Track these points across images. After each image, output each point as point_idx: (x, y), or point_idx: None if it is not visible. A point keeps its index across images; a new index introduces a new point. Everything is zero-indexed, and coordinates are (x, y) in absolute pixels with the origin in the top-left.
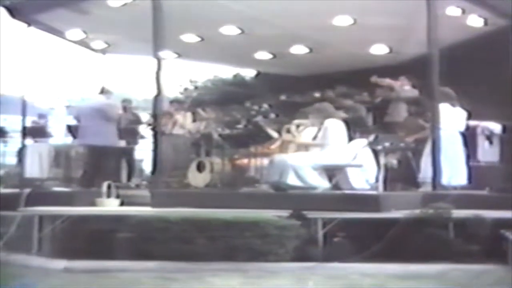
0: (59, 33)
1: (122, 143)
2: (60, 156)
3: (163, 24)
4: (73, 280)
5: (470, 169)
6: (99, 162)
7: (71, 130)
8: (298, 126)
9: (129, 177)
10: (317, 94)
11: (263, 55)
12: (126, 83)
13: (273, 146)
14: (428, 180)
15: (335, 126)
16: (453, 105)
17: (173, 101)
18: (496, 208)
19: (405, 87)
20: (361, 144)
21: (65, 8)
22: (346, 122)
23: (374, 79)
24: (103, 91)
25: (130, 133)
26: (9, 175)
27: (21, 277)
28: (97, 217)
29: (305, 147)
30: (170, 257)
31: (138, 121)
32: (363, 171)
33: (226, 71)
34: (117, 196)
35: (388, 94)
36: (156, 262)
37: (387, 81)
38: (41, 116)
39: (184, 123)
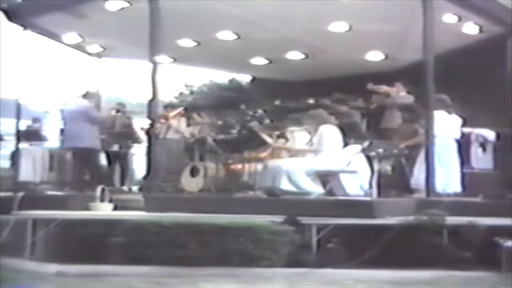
0: (55, 36)
1: (116, 147)
2: (53, 159)
3: (160, 28)
4: (65, 285)
5: (464, 176)
6: (91, 166)
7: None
8: (292, 132)
9: (123, 181)
10: (312, 100)
11: (259, 60)
12: (122, 87)
13: (266, 152)
14: (421, 187)
15: (330, 132)
16: (448, 112)
17: (167, 106)
18: (490, 215)
19: (400, 94)
20: (355, 150)
21: (62, 12)
22: (341, 128)
23: (370, 86)
24: (86, 95)
25: (124, 137)
26: (3, 179)
27: (13, 281)
28: (91, 221)
29: (299, 152)
30: (163, 262)
31: (131, 125)
32: (357, 177)
33: (222, 76)
34: (110, 201)
35: (383, 100)
36: (149, 267)
37: (384, 87)
38: (36, 119)
39: (179, 128)
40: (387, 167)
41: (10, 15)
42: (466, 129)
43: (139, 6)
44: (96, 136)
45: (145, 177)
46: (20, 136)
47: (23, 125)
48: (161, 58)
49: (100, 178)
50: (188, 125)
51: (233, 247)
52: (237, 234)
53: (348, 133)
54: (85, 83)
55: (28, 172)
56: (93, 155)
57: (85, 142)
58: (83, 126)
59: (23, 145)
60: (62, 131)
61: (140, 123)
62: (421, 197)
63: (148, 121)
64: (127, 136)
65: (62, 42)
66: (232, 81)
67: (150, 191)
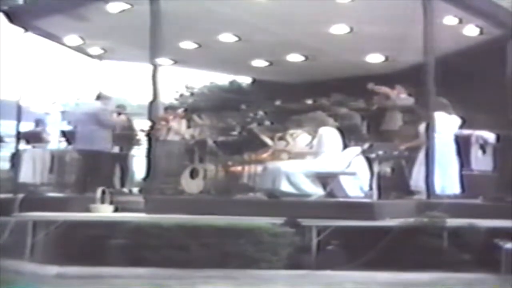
0: (56, 38)
1: (116, 149)
2: (54, 161)
3: (161, 30)
4: (65, 286)
5: (463, 177)
6: (93, 167)
7: (66, 135)
8: (292, 134)
9: (123, 183)
10: (312, 102)
11: (259, 62)
12: (123, 89)
13: (266, 154)
14: (421, 189)
15: (330, 134)
16: (448, 113)
17: (168, 108)
18: (490, 217)
19: (401, 96)
20: (355, 152)
21: (63, 14)
22: (341, 130)
23: (371, 86)
24: (99, 97)
25: (124, 139)
26: (3, 180)
27: (13, 282)
28: (91, 223)
29: (299, 155)
30: (163, 264)
31: (132, 127)
32: (357, 179)
33: (222, 78)
34: (111, 202)
35: (384, 102)
36: (149, 269)
37: (384, 88)
38: (38, 121)
39: (179, 129)
40: (387, 169)
41: (11, 17)
42: (466, 131)
43: (140, 8)
44: (108, 139)
45: (145, 179)
46: (21, 137)
47: (24, 127)
48: (161, 60)
49: (101, 180)
50: (189, 127)
51: (233, 249)
52: (237, 236)
53: (348, 135)
54: (87, 85)
55: (28, 174)
56: (103, 158)
57: (96, 145)
58: (95, 128)
59: (24, 146)
60: (70, 133)
61: (140, 125)
62: (421, 199)
63: (149, 123)
64: (128, 138)
65: (63, 44)
66: (232, 83)
67: (150, 193)
